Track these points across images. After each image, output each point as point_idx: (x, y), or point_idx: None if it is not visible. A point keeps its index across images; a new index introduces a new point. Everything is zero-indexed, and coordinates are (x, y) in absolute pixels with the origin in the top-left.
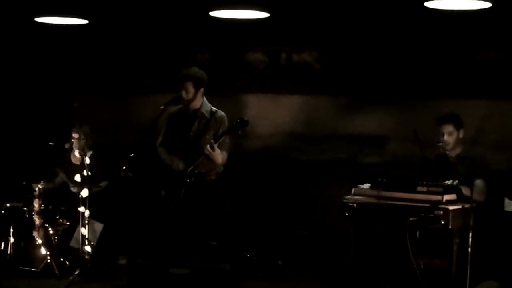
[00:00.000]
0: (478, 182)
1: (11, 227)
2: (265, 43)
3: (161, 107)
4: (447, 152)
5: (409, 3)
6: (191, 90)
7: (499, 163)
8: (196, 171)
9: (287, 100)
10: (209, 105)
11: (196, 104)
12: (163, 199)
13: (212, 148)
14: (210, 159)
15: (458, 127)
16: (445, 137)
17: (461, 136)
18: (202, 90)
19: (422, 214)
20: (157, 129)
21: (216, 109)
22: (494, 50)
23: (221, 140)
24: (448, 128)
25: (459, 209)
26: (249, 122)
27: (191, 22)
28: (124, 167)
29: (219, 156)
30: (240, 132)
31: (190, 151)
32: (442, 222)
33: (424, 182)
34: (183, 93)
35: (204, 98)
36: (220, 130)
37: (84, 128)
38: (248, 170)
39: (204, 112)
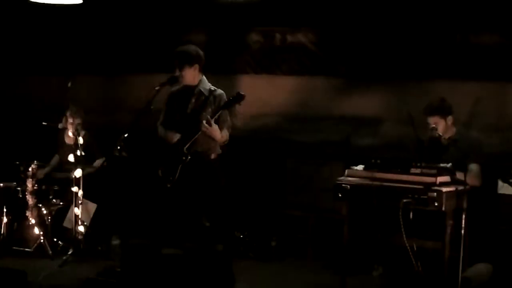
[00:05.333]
0: (473, 166)
1: (4, 207)
2: (259, 24)
3: (156, 88)
4: (440, 134)
5: None
6: (184, 66)
7: (493, 145)
8: (193, 150)
9: (282, 80)
10: (209, 84)
11: (193, 81)
12: (159, 179)
13: (209, 123)
14: (208, 135)
15: (444, 115)
16: (432, 126)
17: (450, 122)
18: (196, 66)
19: (416, 196)
20: (152, 109)
21: (215, 88)
22: (489, 31)
23: (218, 114)
24: (434, 120)
25: (452, 191)
26: (245, 98)
27: (186, 1)
28: (118, 147)
29: (217, 131)
30: (238, 105)
31: (188, 128)
32: (436, 204)
33: (418, 164)
34: (177, 71)
35: (204, 76)
36: (218, 106)
37: (77, 108)
38: (241, 150)
39: (202, 89)
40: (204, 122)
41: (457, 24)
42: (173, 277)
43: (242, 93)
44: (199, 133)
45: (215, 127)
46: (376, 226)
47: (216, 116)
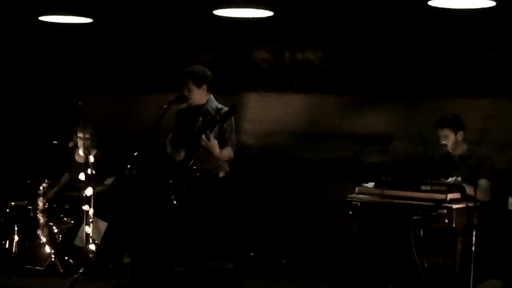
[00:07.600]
0: (482, 182)
1: (16, 226)
2: (269, 42)
3: (165, 106)
4: (451, 151)
5: (413, 1)
6: (192, 87)
7: (503, 162)
8: (199, 167)
9: (291, 98)
10: (216, 102)
11: (201, 100)
12: (167, 197)
13: (208, 137)
14: (207, 151)
15: (455, 129)
16: (442, 140)
17: (460, 138)
18: (205, 86)
19: (426, 213)
20: (161, 127)
21: (222, 106)
22: (498, 49)
23: (217, 129)
24: (444, 132)
25: (463, 207)
26: (237, 110)
27: (196, 21)
28: (128, 166)
29: (215, 147)
30: (231, 118)
31: (194, 147)
32: (446, 221)
33: (428, 181)
34: (185, 91)
35: (211, 95)
36: (215, 121)
37: (88, 127)
38: (251, 168)
39: (209, 108)
40: (203, 136)
41: (466, 42)
42: None
43: (235, 105)
44: (199, 149)
45: (214, 142)
46: (386, 243)
47: (213, 130)
